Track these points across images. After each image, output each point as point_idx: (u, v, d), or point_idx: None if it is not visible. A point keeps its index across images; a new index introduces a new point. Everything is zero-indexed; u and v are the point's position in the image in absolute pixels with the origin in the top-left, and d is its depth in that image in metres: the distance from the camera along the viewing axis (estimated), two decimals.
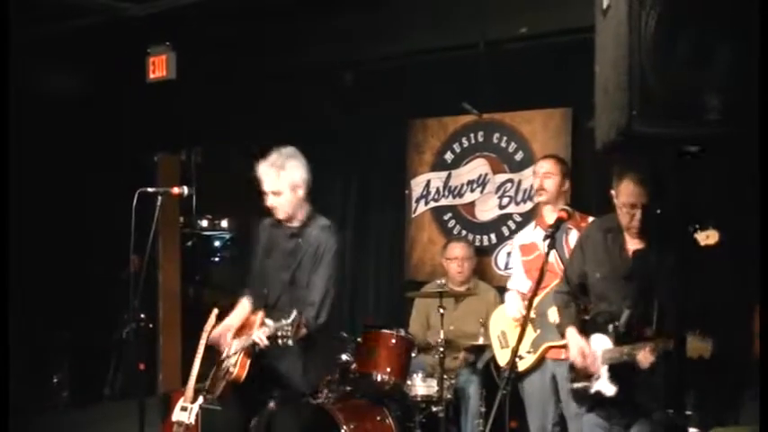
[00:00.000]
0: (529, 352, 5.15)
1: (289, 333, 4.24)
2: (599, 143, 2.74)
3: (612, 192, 4.16)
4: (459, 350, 6.15)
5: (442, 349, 5.67)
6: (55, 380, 8.08)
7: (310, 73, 7.46)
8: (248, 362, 4.61)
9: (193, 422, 5.88)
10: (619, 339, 4.07)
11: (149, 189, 5.06)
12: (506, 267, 6.75)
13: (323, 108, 7.61)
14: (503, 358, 5.40)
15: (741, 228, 4.86)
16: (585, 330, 4.29)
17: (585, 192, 5.86)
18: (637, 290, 4.02)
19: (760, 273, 3.15)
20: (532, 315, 5.10)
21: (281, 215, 4.74)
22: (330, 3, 6.71)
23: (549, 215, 5.23)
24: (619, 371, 4.04)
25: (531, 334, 5.14)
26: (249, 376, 4.63)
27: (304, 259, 4.69)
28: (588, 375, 4.23)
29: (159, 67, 7.20)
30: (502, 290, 6.48)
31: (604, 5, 2.63)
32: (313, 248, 4.68)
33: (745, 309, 4.52)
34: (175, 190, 5.12)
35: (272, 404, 5.04)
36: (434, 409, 5.79)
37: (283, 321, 4.29)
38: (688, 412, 2.63)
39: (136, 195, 4.94)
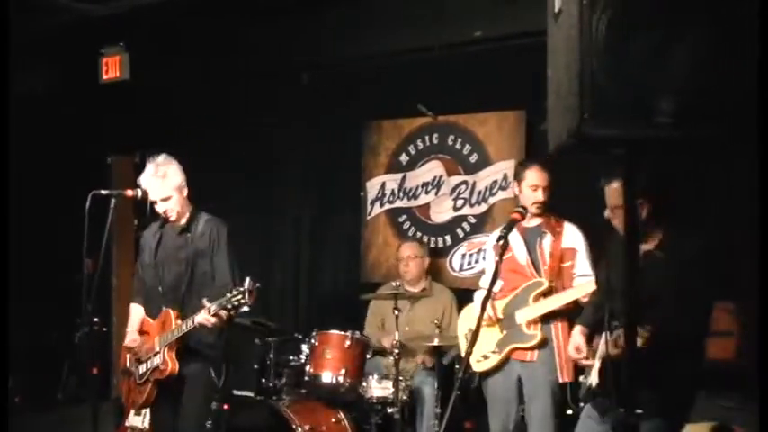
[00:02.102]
0: (494, 352, 5.12)
1: (244, 300, 4.45)
2: (551, 145, 2.77)
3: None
4: (414, 352, 6.19)
5: (397, 351, 5.68)
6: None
7: (266, 74, 7.45)
8: (174, 355, 4.78)
9: (147, 427, 5.84)
10: (607, 334, 4.14)
11: (102, 191, 5.02)
12: (461, 269, 6.79)
13: (278, 110, 7.60)
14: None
15: (713, 227, 4.98)
16: (595, 331, 4.35)
17: None
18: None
19: (759, 273, 3.18)
20: (500, 316, 5.12)
21: (173, 216, 4.99)
22: (286, 5, 6.70)
23: (532, 216, 5.12)
24: (607, 364, 4.10)
25: (497, 334, 5.12)
26: None
27: (198, 249, 4.96)
28: (588, 371, 4.32)
29: (113, 67, 7.15)
30: (457, 291, 6.54)
31: (556, 9, 2.65)
32: (205, 238, 4.98)
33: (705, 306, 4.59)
34: (129, 192, 5.08)
35: (225, 405, 5.04)
36: (390, 410, 5.80)
37: (234, 292, 4.48)
38: (639, 411, 2.66)
39: (89, 197, 4.89)
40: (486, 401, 5.32)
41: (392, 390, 5.76)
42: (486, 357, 5.15)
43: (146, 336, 5.01)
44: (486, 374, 5.22)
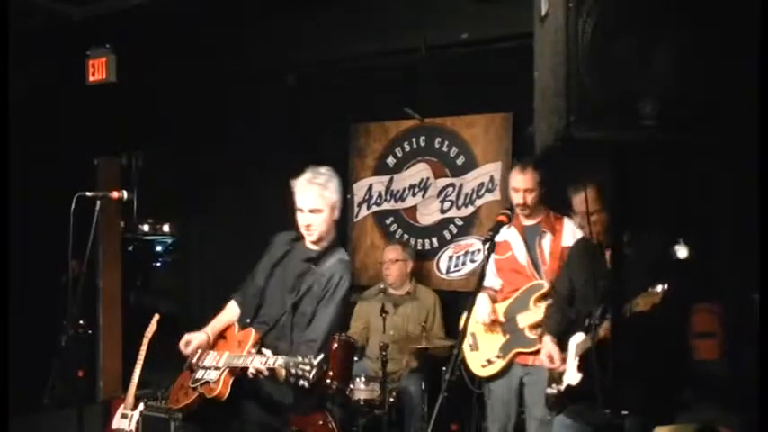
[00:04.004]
0: (498, 357, 5.11)
1: (307, 374, 3.84)
2: (538, 148, 2.78)
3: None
4: (401, 354, 6.19)
5: (384, 353, 5.68)
6: None
7: (253, 76, 7.43)
8: (231, 380, 4.20)
9: (134, 429, 5.83)
10: (592, 331, 4.14)
11: (88, 193, 4.98)
12: (448, 271, 6.79)
13: (265, 112, 7.59)
14: (472, 361, 5.30)
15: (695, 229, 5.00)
16: (566, 336, 4.36)
17: None
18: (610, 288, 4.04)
19: (759, 271, 3.20)
20: (501, 319, 5.13)
21: (313, 235, 4.40)
22: (272, 6, 6.69)
23: (524, 216, 5.16)
24: (587, 360, 4.10)
25: (499, 339, 5.12)
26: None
27: (314, 287, 4.34)
28: (559, 378, 4.31)
29: (99, 69, 7.11)
30: (444, 294, 6.54)
31: (542, 12, 2.66)
32: (326, 278, 4.35)
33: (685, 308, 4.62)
34: (115, 194, 5.03)
35: None
36: (377, 412, 5.80)
37: (299, 359, 3.89)
38: (624, 412, 2.67)
39: (74, 199, 4.86)
40: (487, 405, 5.32)
41: (379, 392, 5.76)
42: (490, 362, 5.14)
43: (221, 341, 4.53)
44: (489, 378, 5.21)
